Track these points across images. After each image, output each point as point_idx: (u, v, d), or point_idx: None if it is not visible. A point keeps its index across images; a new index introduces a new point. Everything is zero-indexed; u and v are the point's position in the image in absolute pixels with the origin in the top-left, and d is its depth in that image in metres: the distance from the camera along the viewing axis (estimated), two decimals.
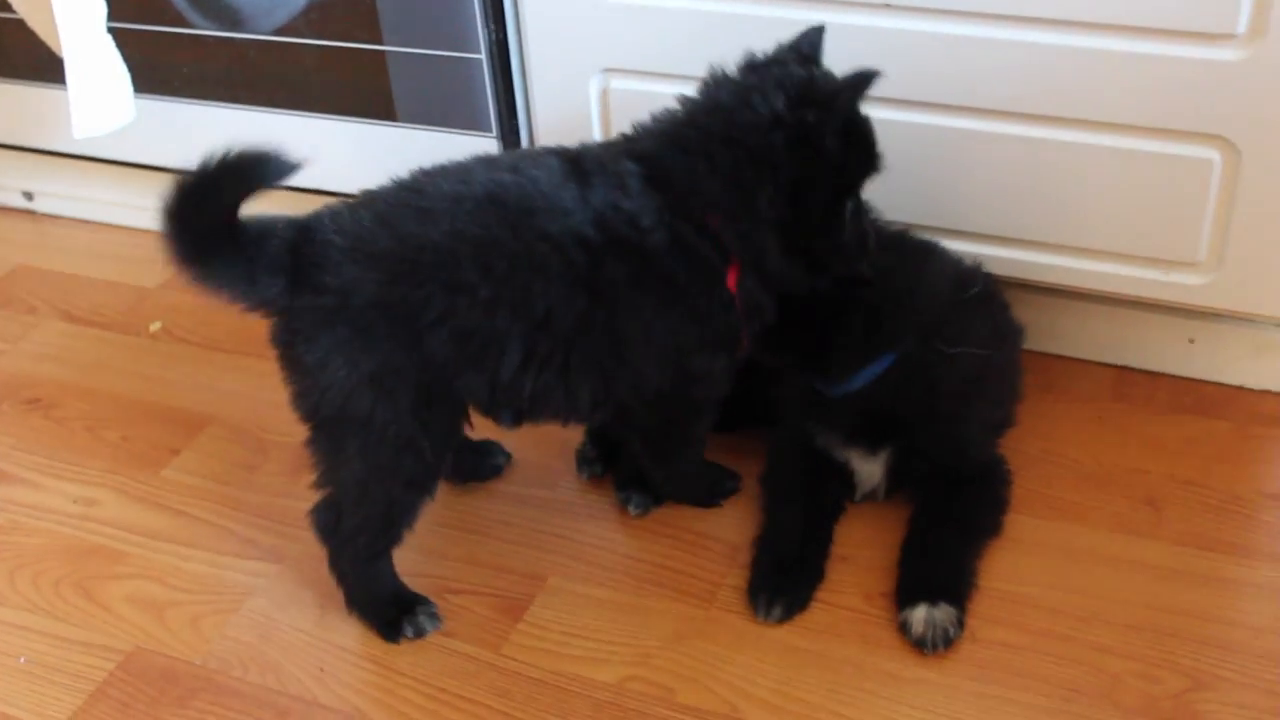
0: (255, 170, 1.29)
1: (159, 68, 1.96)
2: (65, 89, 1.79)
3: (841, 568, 1.49)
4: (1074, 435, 1.66)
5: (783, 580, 1.46)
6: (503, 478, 1.64)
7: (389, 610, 1.46)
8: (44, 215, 2.36)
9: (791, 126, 1.32)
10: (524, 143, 1.82)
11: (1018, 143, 1.58)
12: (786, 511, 1.53)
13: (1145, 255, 1.60)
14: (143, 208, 2.22)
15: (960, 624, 1.40)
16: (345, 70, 1.85)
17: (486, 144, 1.80)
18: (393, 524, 1.42)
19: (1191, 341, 1.71)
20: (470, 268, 1.31)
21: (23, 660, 1.47)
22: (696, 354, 1.40)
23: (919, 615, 1.40)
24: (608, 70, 1.71)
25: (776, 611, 1.44)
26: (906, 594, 1.43)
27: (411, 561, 1.54)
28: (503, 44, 1.74)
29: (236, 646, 1.47)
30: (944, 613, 1.40)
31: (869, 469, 1.54)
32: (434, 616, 1.46)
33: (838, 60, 1.47)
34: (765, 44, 1.57)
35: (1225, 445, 1.64)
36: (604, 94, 1.73)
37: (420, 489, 1.41)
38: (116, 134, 1.84)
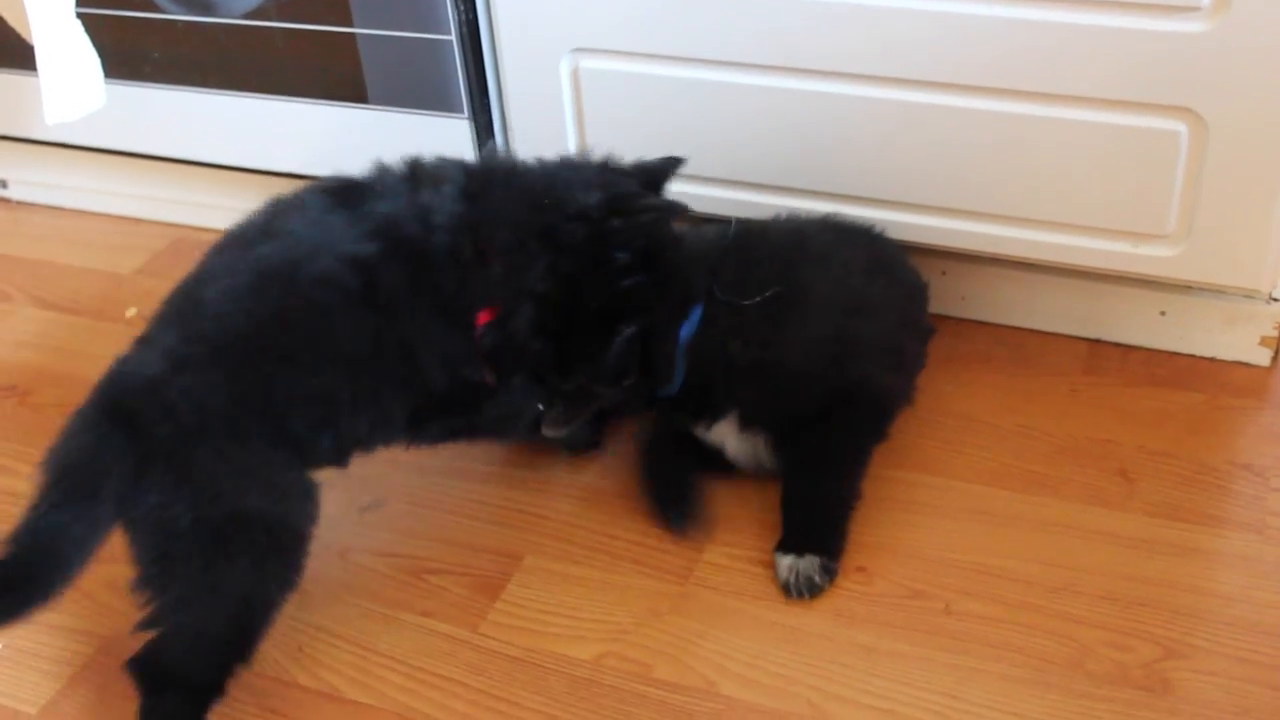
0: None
1: (130, 53, 1.96)
2: (35, 76, 1.78)
3: None
4: (1046, 408, 1.67)
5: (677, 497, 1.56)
6: (478, 457, 1.64)
7: None
8: (18, 203, 2.35)
9: (594, 223, 1.35)
10: (496, 123, 1.82)
11: (985, 118, 1.58)
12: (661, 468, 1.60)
13: (1115, 228, 1.61)
14: (117, 194, 2.24)
15: (828, 571, 1.45)
16: (316, 53, 1.85)
17: (459, 125, 1.80)
18: (255, 637, 1.34)
19: (1162, 314, 1.72)
20: (286, 337, 1.31)
21: (1, 646, 1.48)
22: (466, 364, 1.39)
23: (784, 564, 1.45)
24: (578, 50, 1.71)
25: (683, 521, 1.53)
26: (779, 543, 1.48)
27: (386, 542, 1.54)
28: (473, 25, 1.74)
29: None
30: (808, 563, 1.44)
31: (730, 442, 1.55)
32: None
33: (808, 38, 1.48)
34: (735, 20, 1.59)
35: (1197, 416, 1.65)
36: (575, 74, 1.73)
37: (293, 580, 1.35)
38: (89, 120, 1.83)
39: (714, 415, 1.53)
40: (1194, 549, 1.46)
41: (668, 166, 1.47)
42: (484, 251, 1.35)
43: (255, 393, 1.29)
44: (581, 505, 1.59)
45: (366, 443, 1.41)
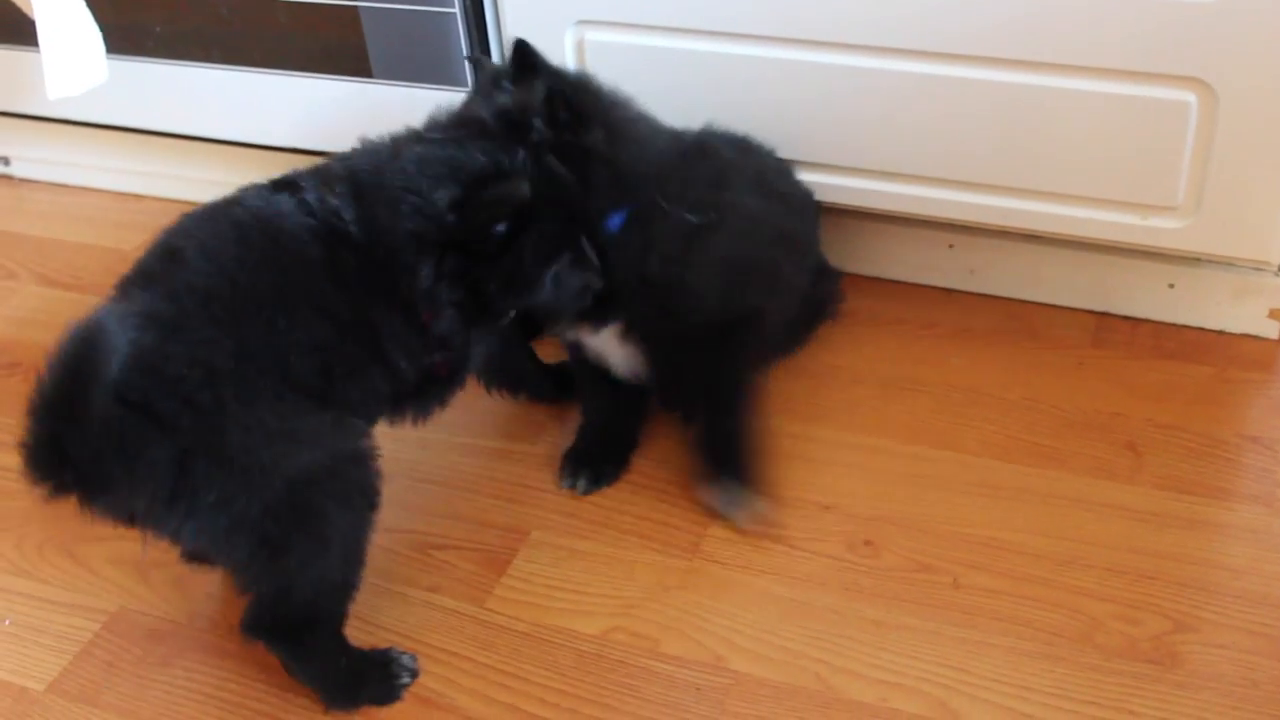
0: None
1: (132, 28, 1.95)
2: (38, 52, 1.77)
3: (824, 516, 1.50)
4: (1055, 381, 1.66)
5: (588, 459, 1.58)
6: (483, 433, 1.64)
7: (375, 671, 1.37)
8: (20, 180, 2.35)
9: (453, 228, 1.30)
10: None
11: (992, 88, 1.57)
12: (591, 405, 1.64)
13: (1123, 200, 1.60)
14: (119, 170, 2.23)
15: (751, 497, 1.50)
16: (319, 27, 1.84)
17: (462, 99, 1.78)
18: (363, 563, 1.33)
19: (1171, 286, 1.71)
20: (278, 283, 1.26)
21: (8, 623, 1.47)
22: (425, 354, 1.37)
23: (713, 492, 1.51)
24: (583, 22, 1.70)
25: (581, 483, 1.57)
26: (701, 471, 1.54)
27: (393, 518, 1.53)
28: None
29: (221, 606, 1.47)
30: (729, 489, 1.50)
31: (610, 350, 1.54)
32: (409, 654, 1.39)
33: (814, 8, 1.47)
34: None
35: (1205, 389, 1.64)
36: (579, 46, 1.72)
37: (378, 502, 1.34)
38: (91, 96, 1.82)
39: (601, 321, 1.50)
40: (1203, 522, 1.46)
41: (524, 105, 1.40)
42: (389, 259, 1.31)
43: (258, 340, 1.22)
44: None
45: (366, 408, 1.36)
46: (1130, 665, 1.31)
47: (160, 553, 1.51)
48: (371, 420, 1.38)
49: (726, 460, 1.52)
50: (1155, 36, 1.47)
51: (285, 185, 1.34)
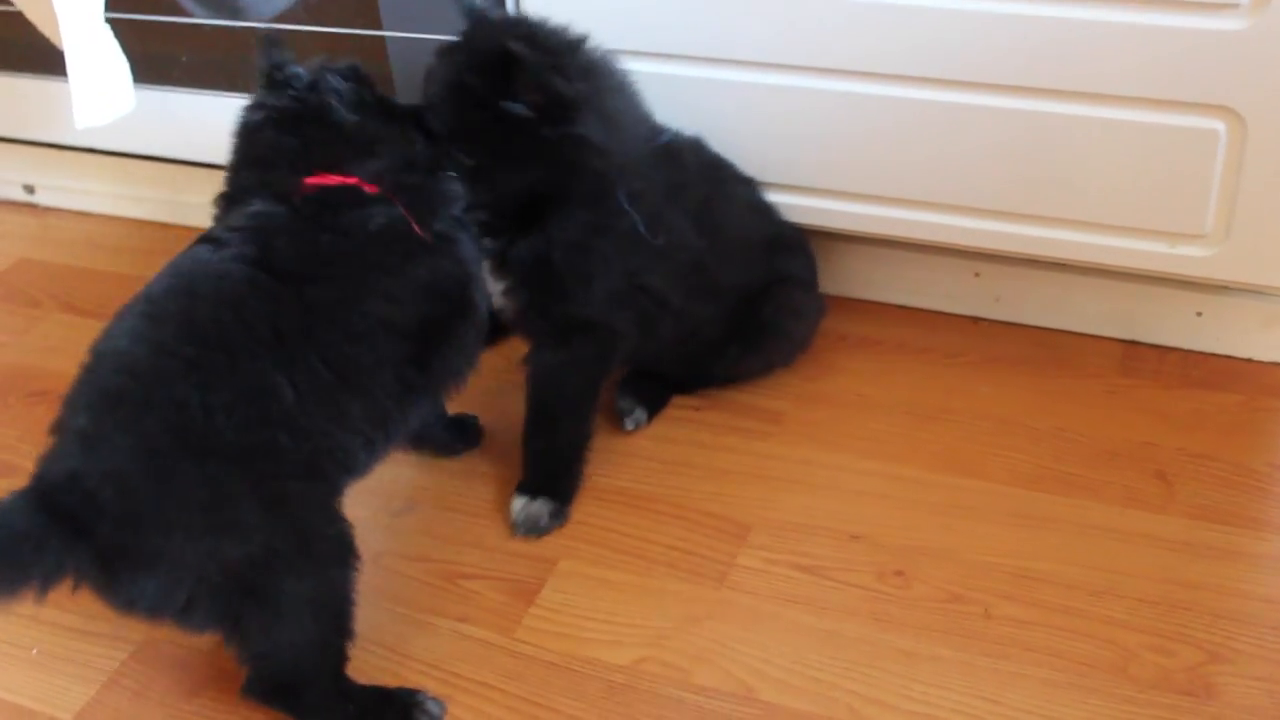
0: None
1: (158, 57, 1.95)
2: (65, 81, 1.78)
3: (855, 546, 1.49)
4: (1083, 410, 1.65)
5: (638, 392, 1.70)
6: (510, 462, 1.63)
7: (392, 715, 1.34)
8: (45, 208, 2.36)
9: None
10: None
11: (1019, 117, 1.57)
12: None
13: (1151, 228, 1.59)
14: (144, 199, 2.24)
15: (557, 515, 1.55)
16: (345, 56, 1.83)
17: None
18: (346, 616, 1.32)
19: (1199, 314, 1.71)
20: (190, 346, 1.23)
21: (35, 651, 1.47)
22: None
23: (517, 505, 1.56)
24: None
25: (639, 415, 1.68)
26: (518, 484, 1.58)
27: (419, 547, 1.54)
28: None
29: None
30: (539, 506, 1.54)
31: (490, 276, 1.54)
32: (436, 700, 1.35)
33: (837, 37, 1.46)
34: (763, 19, 1.58)
35: (1235, 418, 1.63)
36: None
37: (351, 558, 1.32)
38: (117, 125, 1.84)
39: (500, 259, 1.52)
40: (1235, 552, 1.45)
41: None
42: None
43: (169, 426, 1.19)
44: (615, 509, 1.57)
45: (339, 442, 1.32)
46: (1165, 697, 1.30)
47: None
48: (357, 461, 1.34)
49: (551, 478, 1.57)
50: (1183, 65, 1.47)
51: (201, 242, 1.34)
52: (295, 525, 1.25)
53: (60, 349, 1.96)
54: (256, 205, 1.35)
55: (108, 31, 1.77)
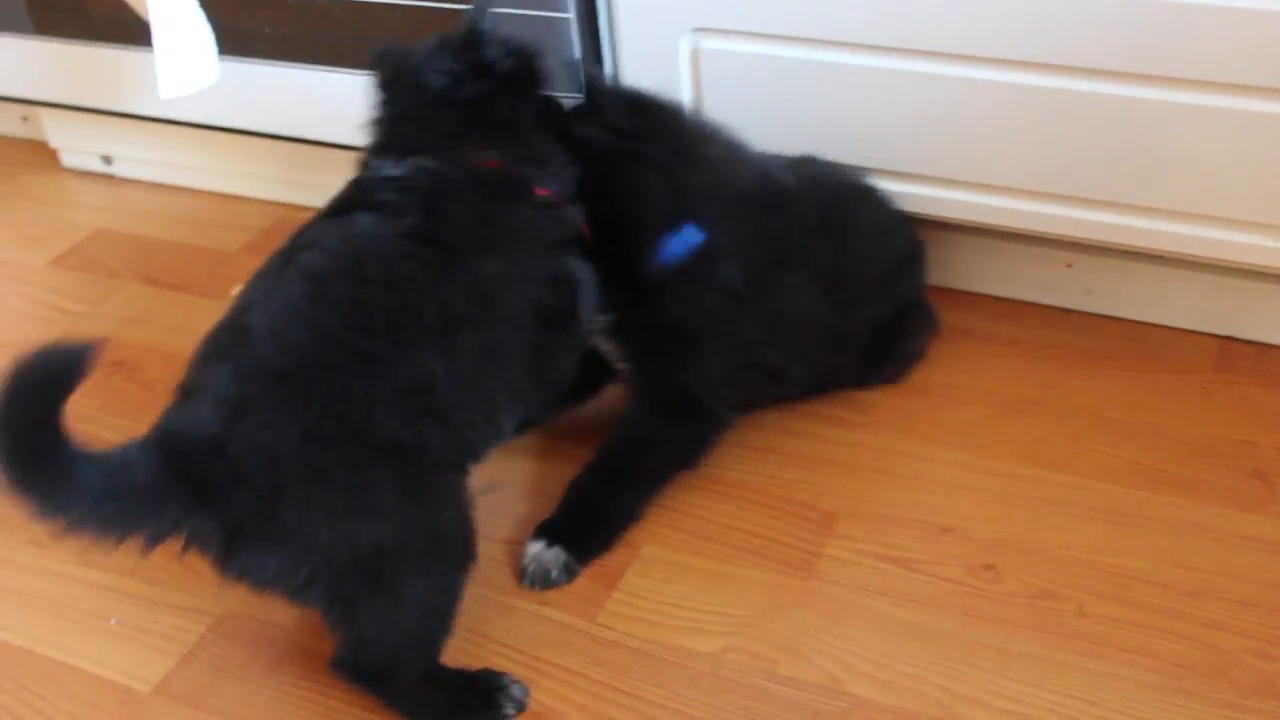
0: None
1: (241, 29, 1.94)
2: (144, 52, 1.78)
3: (945, 539, 1.46)
4: (1178, 406, 1.61)
5: None
6: (596, 443, 1.61)
7: (478, 698, 1.33)
8: (123, 179, 2.36)
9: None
10: None
11: (1124, 104, 1.52)
12: None
13: (1255, 221, 1.55)
14: (221, 171, 2.23)
15: (569, 571, 1.45)
16: (430, 30, 1.81)
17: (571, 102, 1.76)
18: (452, 616, 1.31)
19: None
20: (356, 336, 1.22)
21: (114, 622, 1.47)
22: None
23: (531, 549, 1.46)
24: (699, 30, 1.67)
25: None
26: (540, 524, 1.49)
27: (502, 528, 1.52)
28: (591, 2, 1.71)
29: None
30: (554, 555, 1.45)
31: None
32: (519, 683, 1.34)
33: (944, 19, 1.44)
34: None
35: None
36: (695, 55, 1.69)
37: (469, 562, 1.32)
38: (198, 96, 1.83)
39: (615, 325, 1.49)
40: None
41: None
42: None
43: (331, 413, 1.18)
44: (700, 494, 1.55)
45: (485, 426, 1.33)
46: (1266, 704, 1.26)
47: None
48: (483, 450, 1.34)
49: (583, 534, 1.49)
50: None
51: (351, 204, 1.31)
52: (430, 520, 1.25)
53: (138, 320, 1.96)
54: (421, 163, 1.33)
55: (194, 1, 1.75)
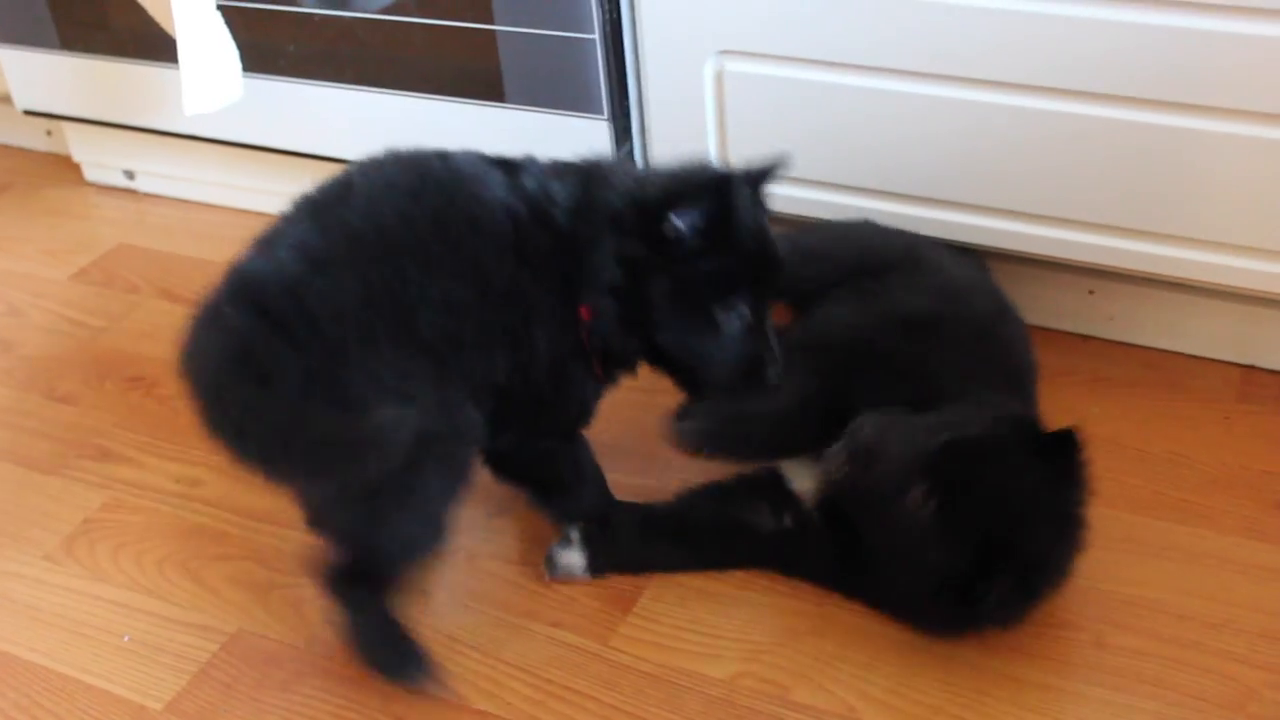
0: None
1: (265, 46, 1.95)
2: (168, 68, 1.79)
3: None
4: (1199, 435, 1.60)
5: None
6: (608, 466, 1.59)
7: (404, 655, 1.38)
8: (145, 194, 2.37)
9: (649, 205, 1.30)
10: (634, 126, 1.79)
11: (1144, 130, 1.52)
12: None
13: (1277, 249, 1.54)
14: (243, 188, 2.24)
15: (592, 568, 1.47)
16: (454, 50, 1.83)
17: (597, 127, 1.76)
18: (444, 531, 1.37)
19: None
20: (430, 239, 1.29)
21: (126, 639, 1.46)
22: (571, 359, 1.36)
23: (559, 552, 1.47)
24: (724, 52, 1.67)
25: None
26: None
27: (515, 550, 1.52)
28: (616, 24, 1.71)
29: (340, 632, 1.44)
30: (578, 558, 1.47)
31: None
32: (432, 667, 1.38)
33: (967, 44, 1.43)
34: (891, 24, 1.54)
35: None
36: (719, 77, 1.69)
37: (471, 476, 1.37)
38: (222, 113, 1.83)
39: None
40: None
41: (769, 169, 1.40)
42: (586, 237, 1.32)
43: (389, 294, 1.25)
44: None
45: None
46: None
47: (280, 575, 1.50)
48: (481, 407, 1.36)
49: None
50: None
51: (504, 164, 1.36)
52: (452, 420, 1.30)
53: (156, 335, 1.96)
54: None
55: (219, 18, 1.76)
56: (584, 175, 1.36)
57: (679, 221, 1.28)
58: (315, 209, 1.32)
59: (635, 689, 1.35)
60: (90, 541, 1.59)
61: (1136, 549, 1.46)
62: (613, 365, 1.40)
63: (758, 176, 1.38)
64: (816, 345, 1.50)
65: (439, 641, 1.41)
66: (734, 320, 1.33)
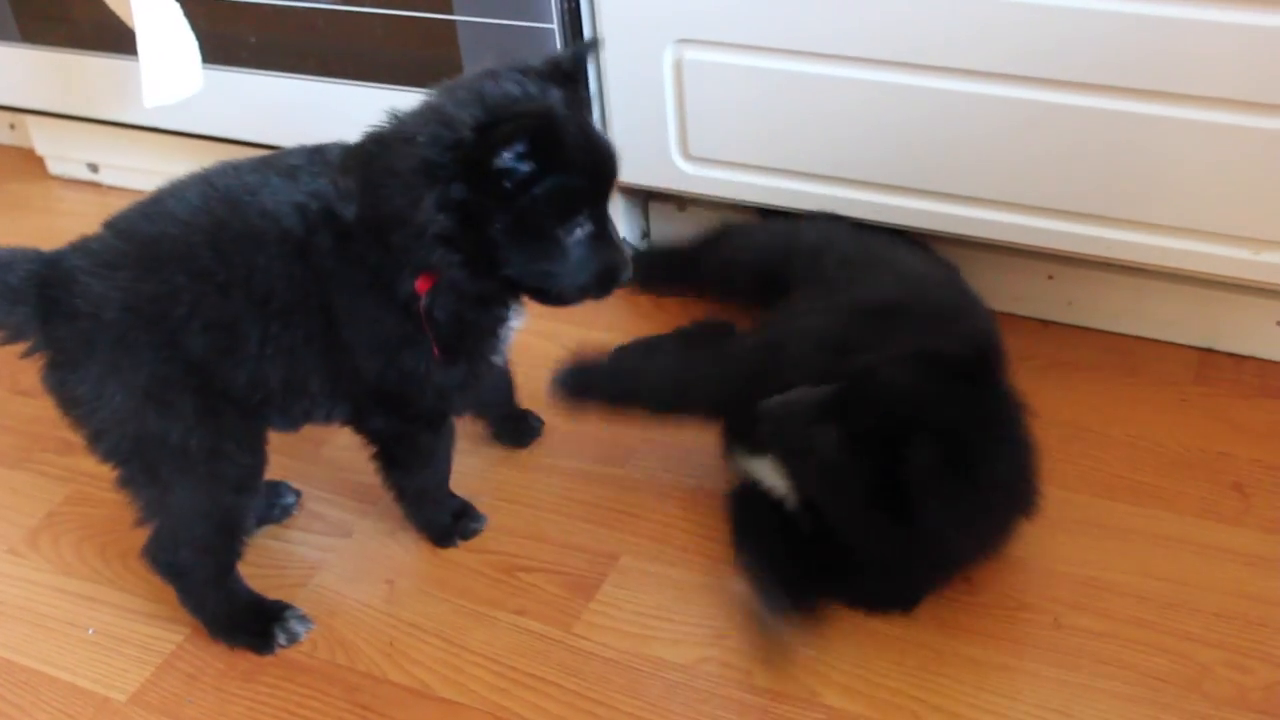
0: None
1: (226, 38, 1.94)
2: (130, 60, 1.78)
3: None
4: (1157, 419, 1.62)
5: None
6: (574, 454, 1.61)
7: (255, 624, 1.43)
8: (108, 187, 2.36)
9: (469, 146, 1.22)
10: (595, 114, 1.79)
11: (1103, 117, 1.53)
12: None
13: (1234, 234, 1.55)
14: None
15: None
16: (414, 40, 1.83)
17: None
18: (232, 534, 1.40)
19: (1279, 323, 1.67)
20: (205, 253, 1.29)
21: (91, 632, 1.47)
22: (402, 349, 1.35)
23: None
24: (682, 41, 1.68)
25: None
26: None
27: (480, 539, 1.52)
28: (575, 12, 1.71)
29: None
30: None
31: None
32: (303, 619, 1.44)
33: (925, 32, 1.43)
34: (850, 12, 1.55)
35: None
36: (678, 65, 1.70)
37: (247, 491, 1.39)
38: (183, 105, 1.83)
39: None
40: None
41: (577, 53, 1.35)
42: (388, 213, 1.26)
43: (155, 302, 1.28)
44: (679, 506, 1.55)
45: (283, 405, 1.37)
46: (1240, 714, 1.27)
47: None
48: (288, 416, 1.40)
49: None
50: (1273, 66, 1.43)
51: (287, 169, 1.35)
52: (216, 438, 1.33)
53: None
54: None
55: (178, 10, 1.76)
56: (364, 154, 1.30)
57: (506, 156, 1.22)
58: (126, 217, 1.35)
59: (598, 675, 1.36)
60: (54, 535, 1.59)
61: (1094, 531, 1.47)
62: (468, 330, 1.36)
63: (569, 70, 1.31)
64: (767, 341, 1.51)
65: (401, 629, 1.42)
66: (578, 236, 1.29)
